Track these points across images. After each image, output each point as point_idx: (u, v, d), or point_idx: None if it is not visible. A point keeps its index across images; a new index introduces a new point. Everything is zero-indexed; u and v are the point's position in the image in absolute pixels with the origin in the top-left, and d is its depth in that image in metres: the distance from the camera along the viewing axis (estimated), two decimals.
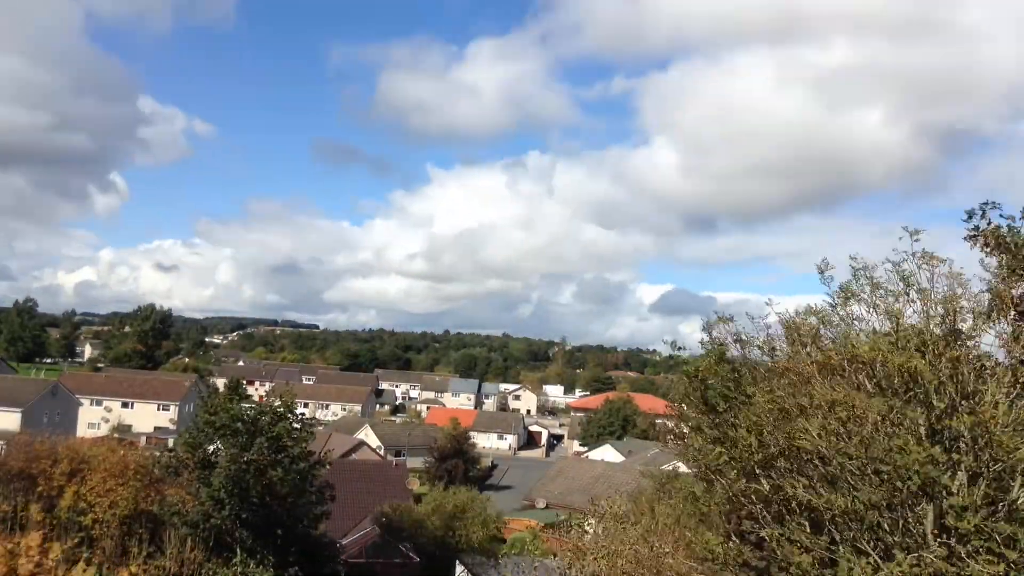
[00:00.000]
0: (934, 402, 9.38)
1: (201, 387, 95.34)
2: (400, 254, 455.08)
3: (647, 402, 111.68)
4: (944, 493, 8.87)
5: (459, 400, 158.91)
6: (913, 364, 9.30)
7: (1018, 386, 9.43)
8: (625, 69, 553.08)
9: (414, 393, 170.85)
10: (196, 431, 25.26)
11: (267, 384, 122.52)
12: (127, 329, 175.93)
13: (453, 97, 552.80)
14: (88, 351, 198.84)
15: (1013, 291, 9.99)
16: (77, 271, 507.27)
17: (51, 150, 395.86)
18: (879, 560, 9.14)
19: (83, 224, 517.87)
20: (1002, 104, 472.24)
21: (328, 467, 27.35)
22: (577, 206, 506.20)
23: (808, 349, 11.69)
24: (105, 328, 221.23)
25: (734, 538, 11.73)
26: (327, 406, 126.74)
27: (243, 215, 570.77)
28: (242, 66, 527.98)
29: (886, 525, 9.37)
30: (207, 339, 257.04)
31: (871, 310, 11.27)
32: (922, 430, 9.46)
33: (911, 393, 9.65)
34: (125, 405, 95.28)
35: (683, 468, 21.45)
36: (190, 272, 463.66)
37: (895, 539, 9.27)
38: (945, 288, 10.41)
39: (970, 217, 10.44)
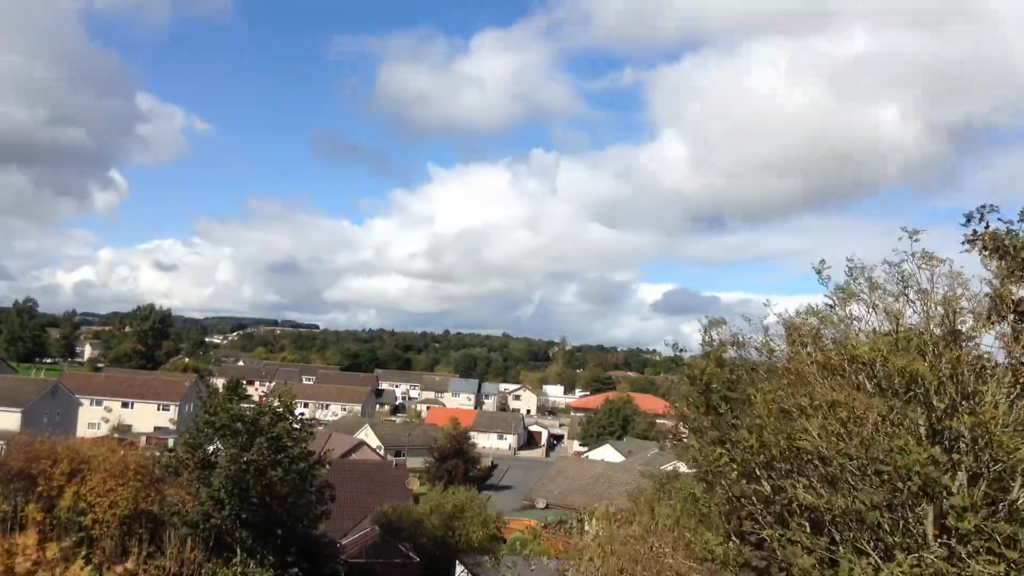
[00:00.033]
0: (934, 403, 9.37)
1: (201, 387, 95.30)
2: (400, 253, 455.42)
3: (647, 402, 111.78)
4: (944, 493, 8.87)
5: (459, 400, 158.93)
6: (915, 367, 9.30)
7: (1018, 387, 9.43)
8: (634, 61, 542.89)
9: (414, 393, 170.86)
10: (196, 431, 25.26)
11: (267, 384, 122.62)
12: (127, 329, 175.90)
13: (456, 90, 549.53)
14: (88, 351, 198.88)
15: (1013, 291, 9.99)
16: (77, 271, 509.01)
17: (50, 147, 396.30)
18: (880, 560, 9.14)
19: (82, 223, 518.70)
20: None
21: (328, 467, 27.35)
22: (581, 204, 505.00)
23: (808, 349, 11.69)
24: (105, 328, 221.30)
25: (734, 538, 11.72)
26: (327, 406, 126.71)
27: (243, 214, 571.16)
28: (241, 62, 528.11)
29: (887, 526, 9.37)
30: (207, 339, 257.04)
31: (870, 310, 11.27)
32: (922, 431, 9.46)
33: (911, 394, 9.65)
34: (125, 405, 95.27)
35: (683, 468, 21.45)
36: (190, 272, 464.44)
37: (896, 540, 9.27)
38: (945, 288, 10.40)
39: (968, 220, 10.43)
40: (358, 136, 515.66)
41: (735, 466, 11.18)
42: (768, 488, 10.77)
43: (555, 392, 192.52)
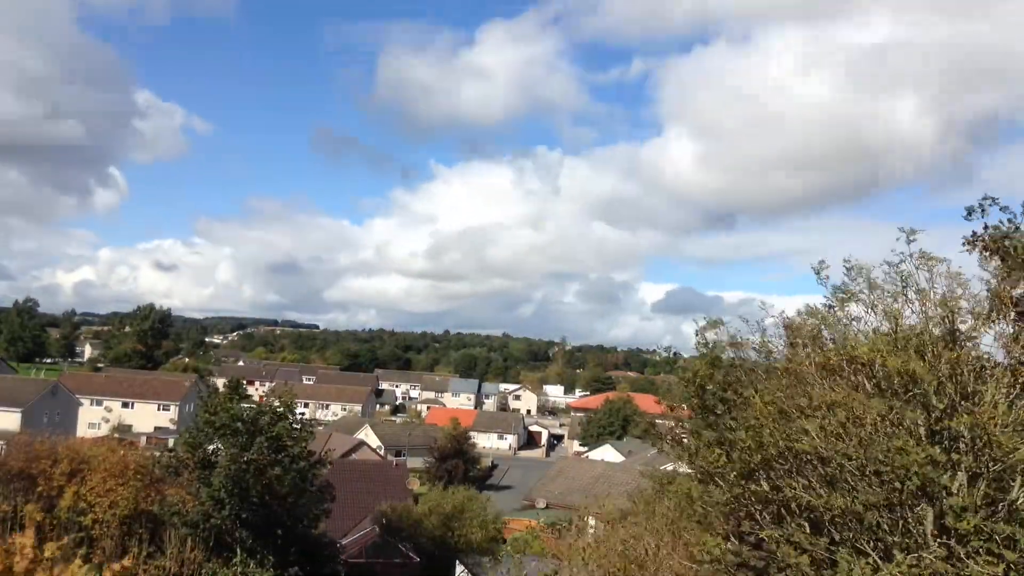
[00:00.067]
0: (933, 403, 9.37)
1: (201, 387, 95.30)
2: (401, 253, 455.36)
3: (647, 402, 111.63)
4: (944, 494, 8.86)
5: (459, 400, 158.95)
6: (911, 367, 9.30)
7: (1018, 387, 9.43)
8: (643, 51, 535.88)
9: (414, 393, 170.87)
10: (196, 431, 25.27)
11: (267, 384, 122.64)
12: (127, 329, 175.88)
13: (459, 83, 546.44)
14: (88, 351, 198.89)
15: (1013, 292, 9.98)
16: (76, 270, 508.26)
17: (50, 145, 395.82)
18: (879, 561, 9.13)
19: (82, 223, 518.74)
20: None
21: (328, 467, 27.38)
22: (584, 202, 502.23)
23: (807, 350, 11.68)
24: (105, 328, 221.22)
25: (732, 539, 11.72)
26: (327, 406, 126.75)
27: (243, 214, 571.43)
28: (241, 58, 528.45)
29: (886, 526, 9.37)
30: (207, 339, 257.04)
31: (869, 311, 11.26)
32: (921, 431, 9.45)
33: (910, 394, 9.64)
34: (125, 405, 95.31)
35: (683, 468, 21.44)
36: (190, 271, 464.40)
37: (895, 540, 9.26)
38: (944, 288, 10.39)
39: (970, 213, 10.36)
40: (359, 133, 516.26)
41: (733, 467, 11.17)
42: (767, 488, 10.76)
43: (555, 392, 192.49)
